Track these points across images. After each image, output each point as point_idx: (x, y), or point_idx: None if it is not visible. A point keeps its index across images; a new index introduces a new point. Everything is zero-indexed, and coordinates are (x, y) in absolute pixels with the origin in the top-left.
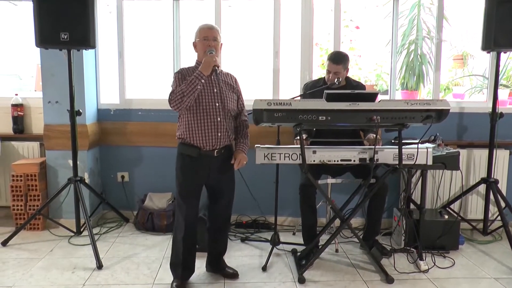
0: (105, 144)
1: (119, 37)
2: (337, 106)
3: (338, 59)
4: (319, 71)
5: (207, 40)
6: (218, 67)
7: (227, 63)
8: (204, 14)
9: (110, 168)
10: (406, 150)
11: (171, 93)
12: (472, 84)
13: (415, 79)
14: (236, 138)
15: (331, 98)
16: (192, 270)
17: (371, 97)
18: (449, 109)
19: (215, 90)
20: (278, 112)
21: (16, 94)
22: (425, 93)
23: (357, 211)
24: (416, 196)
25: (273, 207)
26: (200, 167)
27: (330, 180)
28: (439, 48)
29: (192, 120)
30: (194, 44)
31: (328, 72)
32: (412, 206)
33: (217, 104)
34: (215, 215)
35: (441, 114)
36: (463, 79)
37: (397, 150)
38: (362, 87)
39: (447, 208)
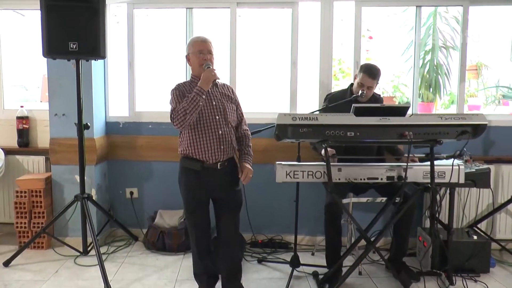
0: (113, 158)
1: (129, 46)
2: (366, 121)
3: (375, 73)
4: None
5: (203, 54)
6: (217, 80)
7: (240, 77)
8: (218, 23)
9: (119, 184)
10: (436, 167)
11: (172, 111)
12: (486, 96)
13: (431, 90)
14: (239, 149)
15: (359, 112)
16: (216, 278)
17: (402, 111)
18: (486, 124)
19: (214, 103)
20: (303, 127)
21: (22, 106)
22: (440, 104)
23: (385, 232)
24: (441, 214)
25: (289, 225)
26: (204, 181)
27: (355, 199)
28: (464, 57)
29: (193, 135)
30: (188, 58)
31: (361, 85)
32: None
33: (217, 117)
34: (222, 229)
35: (477, 129)
36: (477, 90)
37: (426, 167)
38: (382, 100)
39: (474, 228)
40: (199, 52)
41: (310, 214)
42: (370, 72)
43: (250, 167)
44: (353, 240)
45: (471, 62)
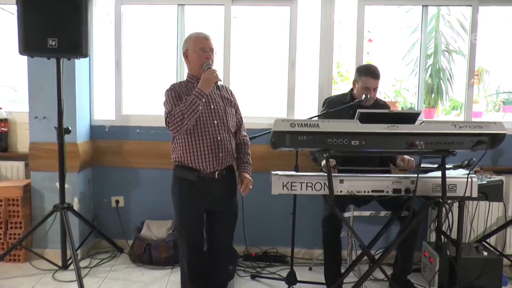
0: (98, 165)
1: (117, 45)
2: (373, 129)
3: (377, 73)
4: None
5: (205, 52)
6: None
7: (235, 79)
8: (212, 21)
9: (104, 192)
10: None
11: (168, 114)
12: (487, 101)
13: (432, 96)
14: (237, 157)
15: (365, 118)
16: None
17: (412, 117)
18: (505, 133)
19: (212, 106)
20: (303, 135)
21: (0, 108)
22: (441, 110)
23: (391, 251)
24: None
25: (285, 237)
26: (200, 192)
27: (357, 213)
28: (472, 60)
29: (189, 141)
30: (185, 54)
31: (366, 88)
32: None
33: (215, 122)
34: (215, 244)
35: (495, 139)
36: (479, 96)
37: (436, 179)
38: (388, 107)
39: (483, 242)
40: (201, 50)
41: (308, 225)
42: (373, 73)
43: (250, 177)
44: (353, 254)
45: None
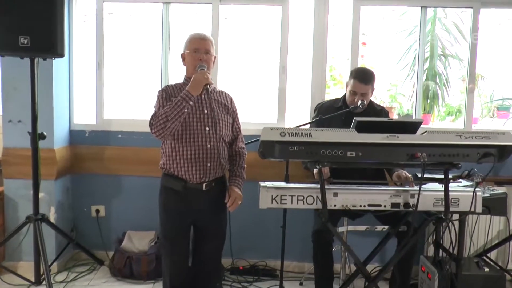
0: (77, 172)
1: (98, 44)
2: (371, 139)
3: (367, 78)
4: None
5: (198, 52)
6: (210, 86)
7: (223, 82)
8: (200, 23)
9: (83, 201)
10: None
11: (152, 116)
12: (482, 107)
13: (428, 101)
14: (230, 169)
15: (362, 127)
16: None
17: (413, 126)
18: None
19: (206, 111)
20: (294, 145)
21: None
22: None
23: (388, 270)
24: (447, 241)
25: (274, 249)
26: (185, 204)
27: (351, 227)
28: (473, 64)
29: (177, 147)
30: (183, 56)
31: (353, 93)
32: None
33: (207, 129)
34: (201, 261)
35: (504, 151)
36: (474, 102)
37: (436, 193)
38: (386, 113)
39: (484, 257)
40: (195, 51)
41: (297, 237)
42: (362, 77)
43: (240, 192)
44: (347, 268)
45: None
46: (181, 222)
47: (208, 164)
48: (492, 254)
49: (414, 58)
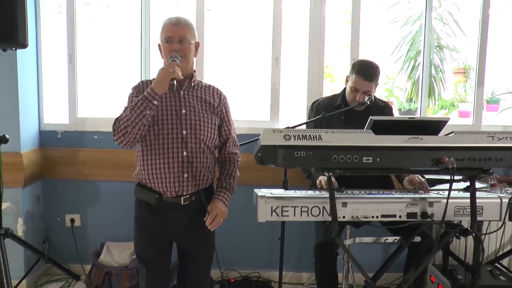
0: (49, 177)
1: (69, 34)
2: (391, 142)
3: (371, 74)
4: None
5: (170, 42)
6: (177, 82)
7: (209, 76)
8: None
9: (56, 210)
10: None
11: (115, 120)
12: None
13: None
14: (218, 179)
15: (380, 128)
16: None
17: (437, 126)
18: None
19: (184, 111)
20: (301, 150)
21: None
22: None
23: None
24: (456, 249)
25: (268, 259)
26: (161, 220)
27: (358, 239)
28: (482, 57)
29: (148, 154)
30: (160, 47)
31: (355, 90)
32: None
33: (184, 132)
34: (185, 283)
35: None
36: (467, 95)
37: (458, 200)
38: (390, 109)
39: (496, 265)
40: (166, 40)
41: (294, 245)
42: (366, 73)
43: (223, 207)
44: (350, 277)
45: (459, 64)
46: (155, 241)
47: (185, 175)
48: (504, 261)
49: (409, 50)
